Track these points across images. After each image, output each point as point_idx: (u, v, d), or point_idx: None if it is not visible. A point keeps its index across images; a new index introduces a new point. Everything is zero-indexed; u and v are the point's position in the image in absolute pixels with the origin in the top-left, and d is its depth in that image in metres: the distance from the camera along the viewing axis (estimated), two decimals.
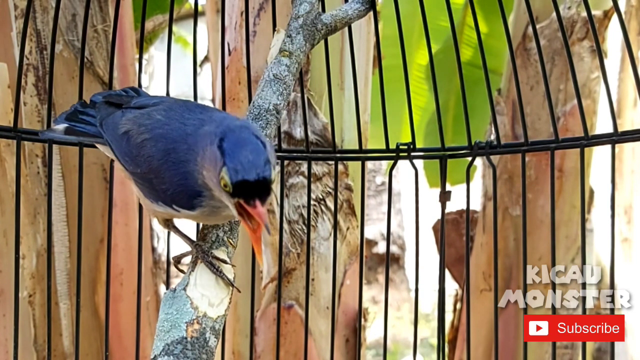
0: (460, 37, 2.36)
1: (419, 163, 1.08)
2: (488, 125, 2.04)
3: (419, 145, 1.11)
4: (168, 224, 0.77)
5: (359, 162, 1.12)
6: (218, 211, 0.67)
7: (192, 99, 1.05)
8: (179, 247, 0.79)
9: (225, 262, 0.73)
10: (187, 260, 0.77)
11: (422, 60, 2.41)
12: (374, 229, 5.26)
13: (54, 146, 1.00)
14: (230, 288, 0.72)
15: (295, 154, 1.28)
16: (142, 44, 1.07)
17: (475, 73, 2.24)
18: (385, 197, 4.55)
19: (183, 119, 0.70)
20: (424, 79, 2.38)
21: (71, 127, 0.79)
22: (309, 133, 1.44)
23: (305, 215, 1.45)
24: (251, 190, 0.58)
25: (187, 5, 2.90)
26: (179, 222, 0.79)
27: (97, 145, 0.81)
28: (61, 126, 0.79)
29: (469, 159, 1.05)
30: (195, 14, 1.09)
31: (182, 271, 0.75)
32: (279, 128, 1.01)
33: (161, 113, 0.72)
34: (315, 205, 1.49)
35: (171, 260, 0.86)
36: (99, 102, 0.81)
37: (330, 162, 1.46)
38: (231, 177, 0.58)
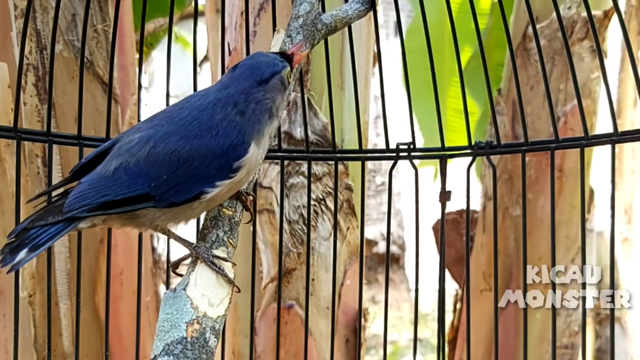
0: (489, 40, 2.34)
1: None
2: (488, 125, 2.04)
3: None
4: (166, 229, 0.77)
5: (359, 162, 1.12)
6: (262, 142, 0.75)
7: None
8: (179, 247, 0.79)
9: (225, 260, 0.73)
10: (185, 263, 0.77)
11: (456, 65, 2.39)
12: (374, 229, 5.26)
13: (54, 146, 1.00)
14: (231, 287, 0.72)
15: (295, 154, 1.28)
16: (142, 44, 1.07)
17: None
18: (385, 197, 4.55)
19: (172, 115, 0.74)
20: (467, 82, 2.37)
21: (34, 246, 0.72)
22: (309, 133, 1.44)
23: (305, 215, 1.45)
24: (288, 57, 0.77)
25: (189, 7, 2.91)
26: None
27: (82, 225, 0.75)
28: (21, 254, 0.72)
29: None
30: (195, 14, 1.09)
31: (180, 275, 0.75)
32: (279, 128, 1.01)
33: (137, 132, 0.74)
34: (315, 205, 1.49)
35: (170, 266, 0.86)
36: (33, 218, 0.75)
37: (330, 162, 1.46)
38: (286, 65, 0.76)
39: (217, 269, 0.72)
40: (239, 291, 0.75)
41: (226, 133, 0.71)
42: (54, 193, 0.84)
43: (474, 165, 1.04)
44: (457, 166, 1.10)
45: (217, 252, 0.74)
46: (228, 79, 0.75)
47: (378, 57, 1.04)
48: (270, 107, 0.74)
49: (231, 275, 0.73)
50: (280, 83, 0.75)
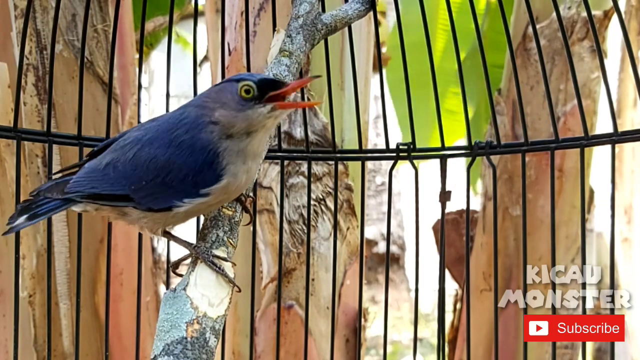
0: (485, 41, 2.35)
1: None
2: (488, 125, 2.04)
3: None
4: (165, 232, 0.77)
5: (359, 162, 1.12)
6: (240, 172, 0.70)
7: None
8: (179, 247, 0.79)
9: (225, 260, 0.73)
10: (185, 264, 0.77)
11: (448, 66, 2.40)
12: (374, 229, 5.26)
13: (54, 146, 1.00)
14: (231, 287, 0.72)
15: (295, 154, 1.27)
16: (142, 44, 1.07)
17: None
18: (385, 197, 4.55)
19: (162, 122, 0.73)
20: (454, 82, 2.38)
21: (32, 215, 0.75)
22: (309, 133, 1.44)
23: (305, 215, 1.45)
24: (273, 84, 0.68)
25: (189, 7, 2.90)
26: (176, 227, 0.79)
27: (75, 209, 0.78)
28: (21, 219, 0.75)
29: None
30: (195, 14, 1.09)
31: (180, 275, 0.75)
32: (279, 128, 1.01)
33: (135, 132, 0.74)
34: (315, 205, 1.49)
35: (170, 267, 0.86)
36: (46, 187, 0.77)
37: (330, 162, 1.46)
38: (251, 78, 0.67)
39: (217, 269, 0.72)
40: (240, 291, 0.75)
41: (202, 150, 0.69)
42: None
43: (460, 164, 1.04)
44: (456, 166, 1.10)
45: (217, 252, 0.74)
46: (222, 83, 0.73)
47: (378, 57, 1.04)
48: (206, 109, 0.70)
49: (231, 275, 0.73)
50: (228, 90, 0.69)
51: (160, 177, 0.70)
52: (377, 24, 1.04)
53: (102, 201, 0.74)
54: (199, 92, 1.07)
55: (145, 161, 0.71)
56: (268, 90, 0.68)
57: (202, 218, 0.81)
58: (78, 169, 0.79)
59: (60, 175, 0.81)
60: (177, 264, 0.81)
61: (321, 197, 1.50)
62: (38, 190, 0.77)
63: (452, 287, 2.11)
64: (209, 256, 0.73)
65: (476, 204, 1.99)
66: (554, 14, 1.42)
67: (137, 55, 1.61)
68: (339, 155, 1.12)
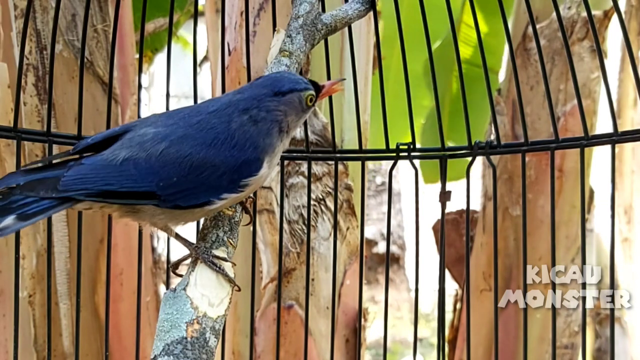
0: (457, 35, 2.36)
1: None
2: (487, 125, 2.04)
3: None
4: (168, 227, 0.77)
5: (359, 162, 1.12)
6: (273, 162, 0.75)
7: (192, 99, 1.05)
8: (179, 247, 0.79)
9: (225, 260, 0.73)
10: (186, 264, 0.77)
11: (414, 62, 2.40)
12: (374, 229, 5.26)
13: (54, 146, 1.00)
14: (231, 287, 0.72)
15: (295, 154, 1.27)
16: (142, 44, 1.07)
17: (472, 71, 2.24)
18: (385, 197, 4.55)
19: (185, 120, 0.73)
20: (418, 78, 2.38)
21: (22, 214, 0.70)
22: (309, 133, 1.44)
23: (305, 215, 1.45)
24: (315, 84, 0.76)
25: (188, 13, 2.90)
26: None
27: (73, 207, 0.74)
28: (8, 220, 0.69)
29: (468, 158, 1.05)
30: (195, 14, 1.09)
31: (180, 276, 0.75)
32: None
33: (150, 128, 0.73)
34: (315, 205, 1.49)
35: (170, 267, 0.85)
36: (21, 184, 0.71)
37: (330, 162, 1.46)
38: (311, 89, 0.75)
39: (217, 268, 0.72)
40: (239, 290, 0.75)
41: (241, 146, 0.71)
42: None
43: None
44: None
45: (217, 252, 0.74)
46: (248, 86, 0.75)
47: (378, 56, 1.04)
48: (280, 120, 0.73)
49: (231, 275, 0.73)
50: (297, 101, 0.74)
51: (194, 174, 0.70)
52: (377, 24, 1.04)
53: (118, 199, 0.72)
54: (199, 92, 1.07)
55: (176, 159, 0.70)
56: (318, 91, 0.77)
57: (202, 219, 0.81)
58: (50, 164, 0.75)
59: (28, 169, 0.75)
60: (177, 264, 0.81)
61: (321, 197, 1.50)
62: (7, 186, 0.71)
63: (452, 287, 2.11)
64: (209, 256, 0.73)
65: (476, 204, 1.99)
66: (554, 14, 1.42)
67: (137, 55, 1.61)
68: (339, 155, 1.12)
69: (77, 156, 0.76)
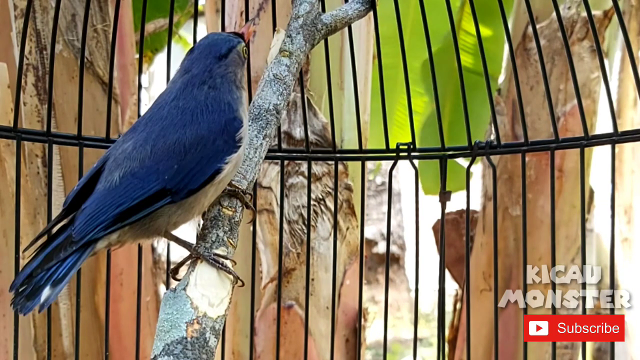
0: (458, 39, 2.35)
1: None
2: (487, 126, 2.04)
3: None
4: (167, 233, 0.76)
5: (359, 162, 1.12)
6: (245, 112, 0.78)
7: None
8: (179, 247, 0.79)
9: (226, 258, 0.74)
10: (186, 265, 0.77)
11: (413, 64, 2.40)
12: (374, 229, 5.26)
13: (54, 146, 1.00)
14: (231, 286, 0.72)
15: (295, 154, 1.27)
16: (142, 44, 1.07)
17: (469, 77, 2.24)
18: (385, 197, 4.54)
19: (156, 114, 0.75)
20: (417, 82, 2.38)
21: (55, 281, 0.69)
22: (309, 133, 1.44)
23: (305, 215, 1.45)
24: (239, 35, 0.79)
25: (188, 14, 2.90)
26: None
27: (99, 248, 0.73)
28: (45, 291, 0.69)
29: (465, 165, 1.05)
30: (195, 14, 1.09)
31: (179, 280, 0.75)
32: (279, 128, 1.01)
33: (127, 140, 0.74)
34: (315, 205, 1.49)
35: (170, 272, 0.85)
36: (39, 263, 0.71)
37: (330, 162, 1.46)
38: (240, 40, 0.78)
39: (219, 265, 0.72)
40: (243, 285, 0.75)
41: (216, 110, 0.74)
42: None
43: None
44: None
45: (217, 251, 0.74)
46: (188, 61, 0.77)
47: (378, 56, 1.04)
48: (233, 79, 0.77)
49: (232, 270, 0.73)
50: (237, 57, 0.77)
51: (191, 153, 0.72)
52: (377, 23, 1.04)
53: (136, 214, 0.71)
54: None
55: (168, 147, 0.72)
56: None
57: (201, 220, 0.81)
58: (50, 235, 0.74)
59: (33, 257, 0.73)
60: (177, 269, 0.81)
61: (321, 197, 1.50)
62: (21, 278, 0.70)
63: (452, 287, 2.11)
64: (210, 254, 0.73)
65: (476, 204, 1.99)
66: (554, 14, 1.42)
67: (137, 55, 1.61)
68: (338, 155, 1.12)
69: (72, 214, 0.75)
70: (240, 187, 0.79)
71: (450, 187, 1.05)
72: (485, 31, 2.26)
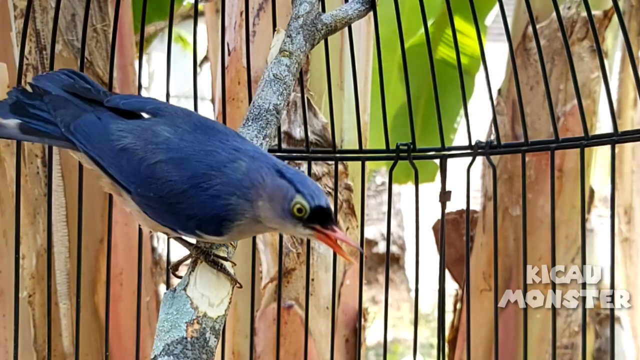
0: (438, 34, 2.36)
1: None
2: (456, 125, 2.04)
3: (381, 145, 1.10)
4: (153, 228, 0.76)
5: (359, 162, 1.12)
6: (243, 235, 0.70)
7: (192, 99, 1.05)
8: (179, 247, 0.79)
9: (226, 259, 0.74)
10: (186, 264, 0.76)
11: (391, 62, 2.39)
12: (374, 229, 5.26)
13: (54, 147, 1.00)
14: (231, 286, 0.72)
15: (295, 154, 1.27)
16: (142, 44, 1.07)
17: (446, 70, 2.25)
18: (385, 197, 4.54)
19: (201, 143, 0.68)
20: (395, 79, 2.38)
21: (26, 125, 0.69)
22: (309, 133, 1.44)
23: None
24: (324, 215, 0.65)
25: (187, 5, 2.90)
26: None
27: (63, 149, 0.73)
28: (12, 121, 0.69)
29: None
30: (195, 14, 1.09)
31: (180, 277, 0.75)
32: (279, 128, 1.01)
33: (167, 130, 0.69)
34: None
35: (170, 268, 0.85)
36: (52, 94, 0.71)
37: (330, 162, 1.46)
38: (310, 203, 0.64)
39: (218, 267, 0.72)
40: (241, 287, 0.75)
41: (215, 200, 0.65)
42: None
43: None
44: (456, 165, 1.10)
45: (217, 252, 0.74)
46: (269, 158, 0.70)
47: (378, 56, 1.04)
48: (254, 189, 0.65)
49: (232, 273, 0.73)
50: (283, 195, 0.65)
51: (169, 201, 0.67)
52: (377, 23, 1.04)
53: (105, 174, 0.70)
54: (199, 92, 1.07)
55: (162, 178, 0.66)
56: (317, 220, 0.65)
57: None
58: (87, 90, 0.73)
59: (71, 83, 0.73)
60: (177, 265, 0.81)
61: None
62: (37, 80, 0.71)
63: (452, 287, 2.11)
64: (210, 255, 0.73)
65: (476, 204, 1.99)
66: (554, 14, 1.42)
67: (137, 55, 1.62)
68: (338, 155, 1.12)
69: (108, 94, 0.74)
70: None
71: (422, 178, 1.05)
72: (464, 26, 2.27)
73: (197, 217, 0.66)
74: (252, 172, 0.66)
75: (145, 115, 0.73)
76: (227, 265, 0.74)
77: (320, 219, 0.65)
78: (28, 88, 0.74)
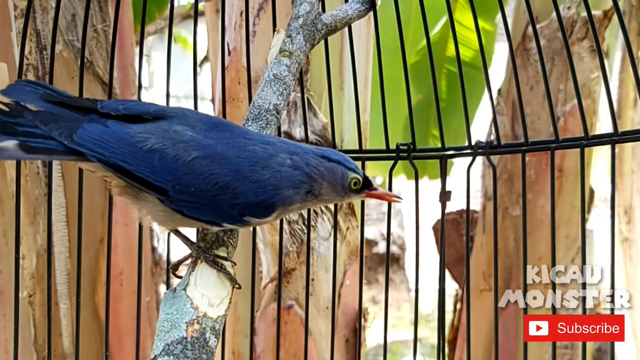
0: (448, 32, 2.35)
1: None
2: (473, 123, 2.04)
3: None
4: (174, 227, 0.76)
5: (359, 162, 1.12)
6: (290, 212, 0.77)
7: (192, 99, 1.05)
8: (179, 247, 0.79)
9: (226, 259, 0.74)
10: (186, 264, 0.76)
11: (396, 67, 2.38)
12: (374, 229, 5.26)
13: None
14: (231, 286, 0.72)
15: None
16: (142, 44, 1.07)
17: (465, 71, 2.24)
18: None
19: (228, 139, 0.72)
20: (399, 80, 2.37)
21: (24, 144, 0.67)
22: (309, 133, 1.44)
23: (305, 215, 1.45)
24: (367, 180, 0.76)
25: (187, 5, 2.90)
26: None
27: (80, 164, 0.71)
28: (9, 143, 0.66)
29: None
30: (195, 14, 1.09)
31: (180, 277, 0.75)
32: (279, 128, 1.01)
33: (187, 129, 0.71)
34: None
35: (170, 268, 0.85)
36: (34, 109, 0.69)
37: None
38: (361, 175, 0.74)
39: (218, 267, 0.72)
40: (240, 287, 0.75)
41: (266, 185, 0.71)
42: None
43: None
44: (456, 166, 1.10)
45: (217, 252, 0.74)
46: (300, 146, 0.75)
47: (378, 56, 1.04)
48: (314, 179, 0.72)
49: (232, 273, 0.73)
50: (340, 174, 0.74)
51: (212, 194, 0.69)
52: (377, 23, 1.04)
53: (129, 179, 0.69)
54: (199, 92, 1.07)
55: (204, 172, 0.69)
56: (365, 186, 0.76)
57: None
58: (72, 103, 0.71)
59: (47, 94, 0.70)
60: (177, 265, 0.81)
61: None
62: (20, 101, 0.68)
63: (452, 287, 2.11)
64: (211, 255, 0.73)
65: (476, 204, 1.99)
66: (554, 14, 1.42)
67: (137, 55, 1.62)
68: None
69: (97, 109, 0.72)
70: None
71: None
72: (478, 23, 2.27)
73: (242, 205, 0.70)
74: (304, 166, 0.73)
75: (150, 118, 0.73)
76: (227, 265, 0.74)
77: (365, 183, 0.75)
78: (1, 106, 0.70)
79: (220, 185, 0.69)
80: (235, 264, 0.75)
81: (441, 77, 2.27)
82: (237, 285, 0.74)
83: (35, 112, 0.69)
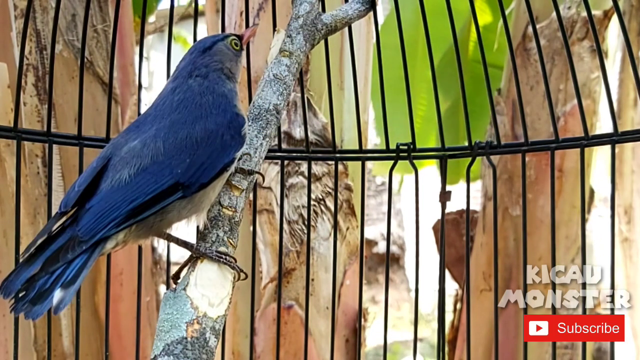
0: (467, 35, 2.35)
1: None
2: (489, 125, 2.04)
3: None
4: (166, 234, 0.76)
5: (359, 162, 1.12)
6: (238, 105, 0.81)
7: None
8: (179, 247, 0.79)
9: (227, 255, 0.74)
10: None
11: (427, 71, 2.38)
12: (374, 229, 5.26)
13: (54, 146, 1.00)
14: (231, 286, 0.72)
15: (295, 154, 1.27)
16: (142, 44, 1.07)
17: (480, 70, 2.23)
18: (385, 197, 4.54)
19: (168, 110, 0.77)
20: (427, 89, 2.37)
21: (66, 282, 0.69)
22: (309, 133, 1.44)
23: (305, 215, 1.45)
24: (238, 36, 0.84)
25: (187, 4, 2.90)
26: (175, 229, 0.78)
27: (108, 248, 0.72)
28: (56, 294, 0.70)
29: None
30: (195, 14, 1.09)
31: None
32: (279, 128, 1.01)
33: (134, 141, 0.74)
34: (315, 205, 1.49)
35: (172, 278, 0.85)
36: (41, 266, 0.70)
37: (330, 162, 1.46)
38: (230, 34, 0.82)
39: (222, 259, 0.72)
40: (246, 277, 0.75)
41: (218, 103, 0.77)
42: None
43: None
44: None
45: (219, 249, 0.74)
46: (179, 65, 0.81)
47: (378, 56, 1.04)
48: (220, 68, 0.79)
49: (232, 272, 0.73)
50: (224, 48, 0.81)
51: (202, 147, 0.73)
52: (377, 24, 1.04)
53: (149, 208, 0.70)
54: None
55: (180, 142, 0.73)
56: (240, 38, 0.84)
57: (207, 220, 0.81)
58: (49, 237, 0.71)
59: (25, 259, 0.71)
60: (178, 273, 0.80)
61: (321, 197, 1.50)
62: (18, 284, 0.70)
63: (452, 287, 2.11)
64: (212, 251, 0.73)
65: (476, 204, 1.99)
66: (554, 14, 1.42)
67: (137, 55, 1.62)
68: (338, 155, 1.12)
69: (71, 212, 0.73)
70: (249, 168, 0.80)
71: (451, 179, 1.05)
72: (493, 22, 2.26)
73: (227, 129, 0.75)
74: (207, 69, 0.80)
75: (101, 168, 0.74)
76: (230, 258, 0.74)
77: (239, 37, 0.84)
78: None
79: (199, 136, 0.74)
80: (235, 261, 0.75)
81: (468, 79, 2.26)
82: (242, 276, 0.74)
83: (41, 269, 0.70)
